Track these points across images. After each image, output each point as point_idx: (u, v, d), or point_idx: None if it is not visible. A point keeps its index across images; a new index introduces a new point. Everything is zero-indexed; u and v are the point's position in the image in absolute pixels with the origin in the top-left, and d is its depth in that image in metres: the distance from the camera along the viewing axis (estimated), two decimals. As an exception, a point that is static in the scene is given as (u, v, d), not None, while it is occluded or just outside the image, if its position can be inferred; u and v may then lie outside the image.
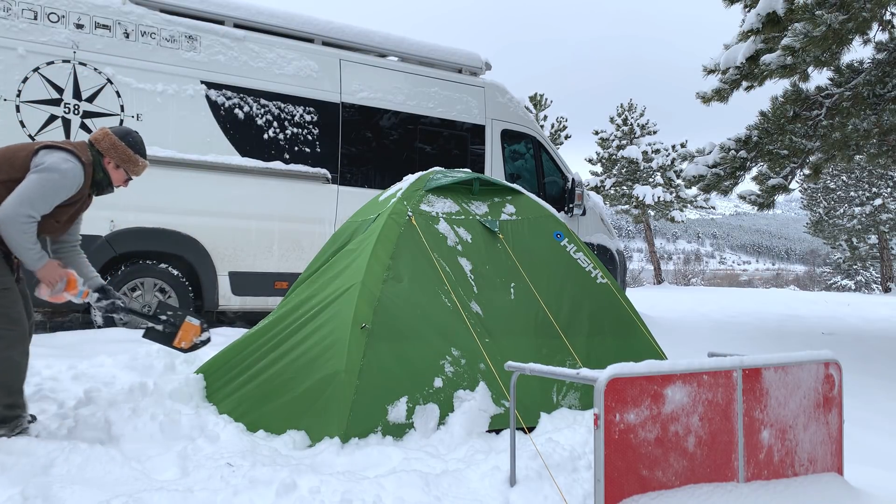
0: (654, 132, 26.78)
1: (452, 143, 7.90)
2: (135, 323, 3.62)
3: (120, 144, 3.25)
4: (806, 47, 5.90)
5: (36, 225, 2.99)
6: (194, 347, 3.69)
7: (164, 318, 3.63)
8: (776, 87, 8.04)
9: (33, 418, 3.41)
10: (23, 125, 5.68)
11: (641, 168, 25.45)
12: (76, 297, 3.27)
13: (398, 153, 7.55)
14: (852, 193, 29.59)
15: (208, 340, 3.72)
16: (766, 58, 6.70)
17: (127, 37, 6.15)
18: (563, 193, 8.67)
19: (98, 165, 3.25)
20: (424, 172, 4.41)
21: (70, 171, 3.05)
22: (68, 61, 5.87)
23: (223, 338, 5.90)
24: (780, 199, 8.58)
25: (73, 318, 7.15)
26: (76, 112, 5.90)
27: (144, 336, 3.65)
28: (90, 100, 5.96)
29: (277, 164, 6.78)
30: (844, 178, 29.52)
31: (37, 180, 2.97)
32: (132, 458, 2.82)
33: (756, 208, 8.61)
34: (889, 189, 28.27)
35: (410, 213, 3.91)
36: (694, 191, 23.88)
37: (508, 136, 8.30)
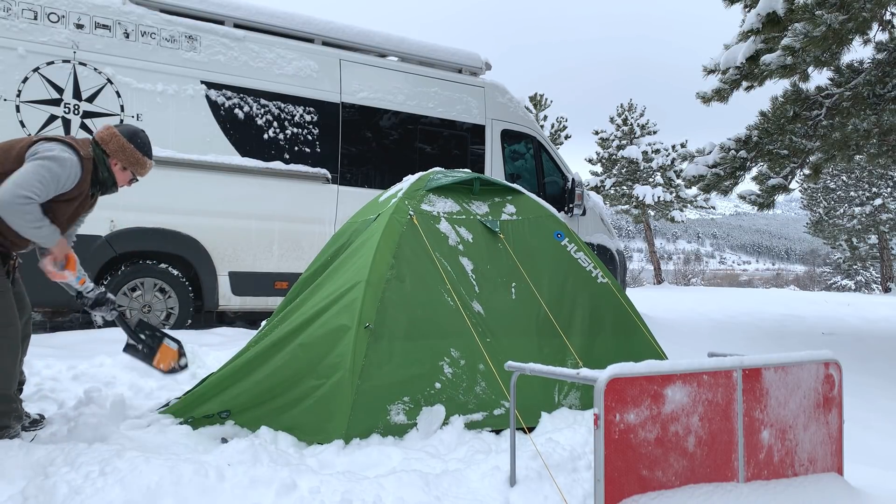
0: (654, 132, 26.76)
1: (452, 143, 7.90)
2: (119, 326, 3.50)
3: (129, 147, 3.16)
4: (806, 47, 5.90)
5: (36, 205, 2.84)
6: (172, 371, 3.57)
7: (142, 336, 3.50)
8: (776, 87, 8.04)
9: (41, 418, 3.39)
10: (23, 125, 5.69)
11: (641, 168, 25.43)
12: (74, 279, 3.19)
13: (398, 153, 7.55)
14: (852, 193, 29.59)
15: (186, 367, 3.59)
16: (766, 58, 6.69)
17: (127, 37, 6.15)
18: (563, 193, 8.67)
19: (102, 164, 3.14)
20: (425, 172, 4.40)
21: (67, 161, 2.93)
22: (68, 61, 5.88)
23: (223, 338, 5.92)
24: (780, 199, 8.57)
25: (73, 318, 7.15)
26: (76, 112, 5.90)
27: (125, 350, 3.53)
28: (90, 100, 5.96)
29: (277, 164, 6.79)
30: (844, 178, 29.52)
31: (32, 167, 2.86)
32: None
33: (756, 208, 8.60)
34: (889, 189, 28.27)
35: (412, 213, 3.91)
36: (694, 191, 23.88)
37: (508, 136, 8.30)
